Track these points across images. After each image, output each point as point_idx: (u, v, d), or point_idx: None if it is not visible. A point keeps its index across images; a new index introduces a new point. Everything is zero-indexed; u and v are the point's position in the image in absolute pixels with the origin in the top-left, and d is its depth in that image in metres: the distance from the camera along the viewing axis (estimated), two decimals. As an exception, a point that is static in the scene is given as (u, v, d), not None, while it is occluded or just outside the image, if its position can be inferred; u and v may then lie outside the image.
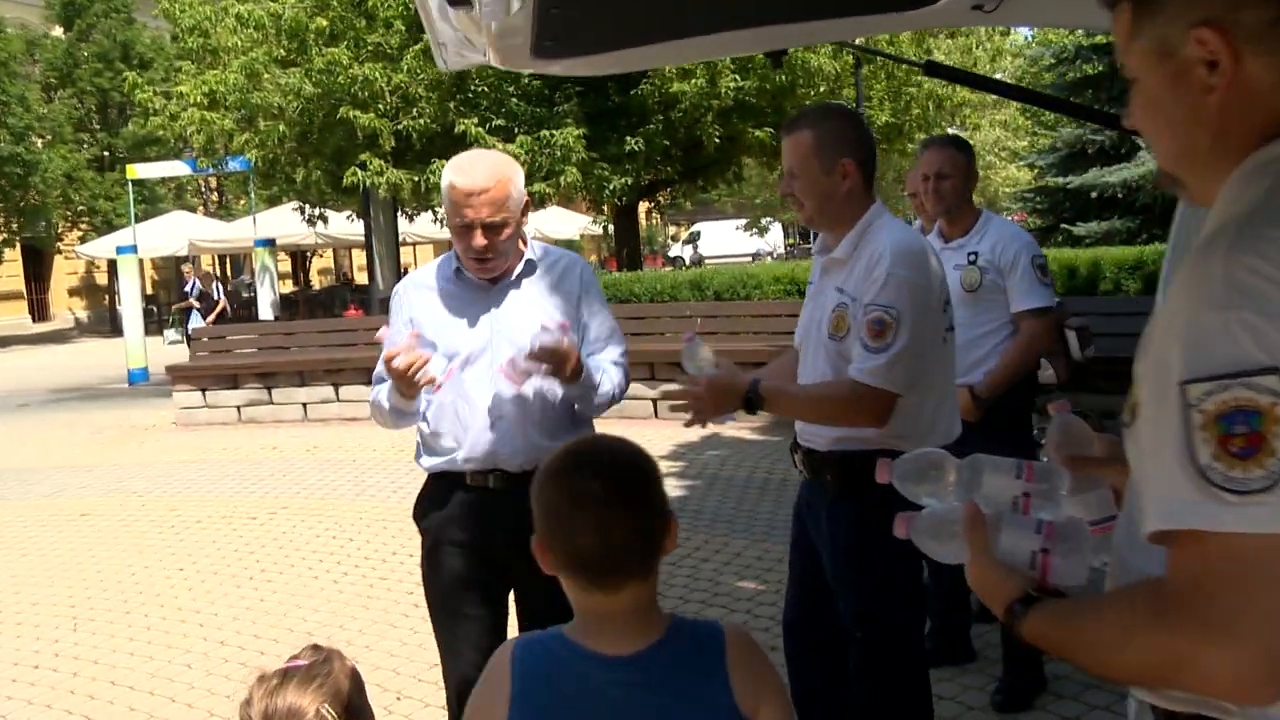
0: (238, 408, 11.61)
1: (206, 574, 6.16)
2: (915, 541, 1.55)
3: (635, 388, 10.26)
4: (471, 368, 2.85)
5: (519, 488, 2.64)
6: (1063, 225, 16.90)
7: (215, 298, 17.30)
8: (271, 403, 11.55)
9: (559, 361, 2.69)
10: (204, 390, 11.70)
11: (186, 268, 19.10)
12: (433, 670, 4.03)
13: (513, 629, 2.97)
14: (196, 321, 17.81)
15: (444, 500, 2.92)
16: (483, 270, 2.83)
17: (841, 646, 2.93)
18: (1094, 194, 15.85)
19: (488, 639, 2.86)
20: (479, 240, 2.74)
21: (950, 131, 15.10)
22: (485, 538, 2.85)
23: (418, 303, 2.94)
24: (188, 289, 18.78)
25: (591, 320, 2.98)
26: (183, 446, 10.54)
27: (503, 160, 2.86)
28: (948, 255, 3.96)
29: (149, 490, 8.53)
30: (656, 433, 9.29)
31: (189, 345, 16.74)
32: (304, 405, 11.42)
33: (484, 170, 2.76)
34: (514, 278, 2.90)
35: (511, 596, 3.01)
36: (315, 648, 2.03)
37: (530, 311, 2.86)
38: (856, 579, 2.85)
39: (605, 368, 2.93)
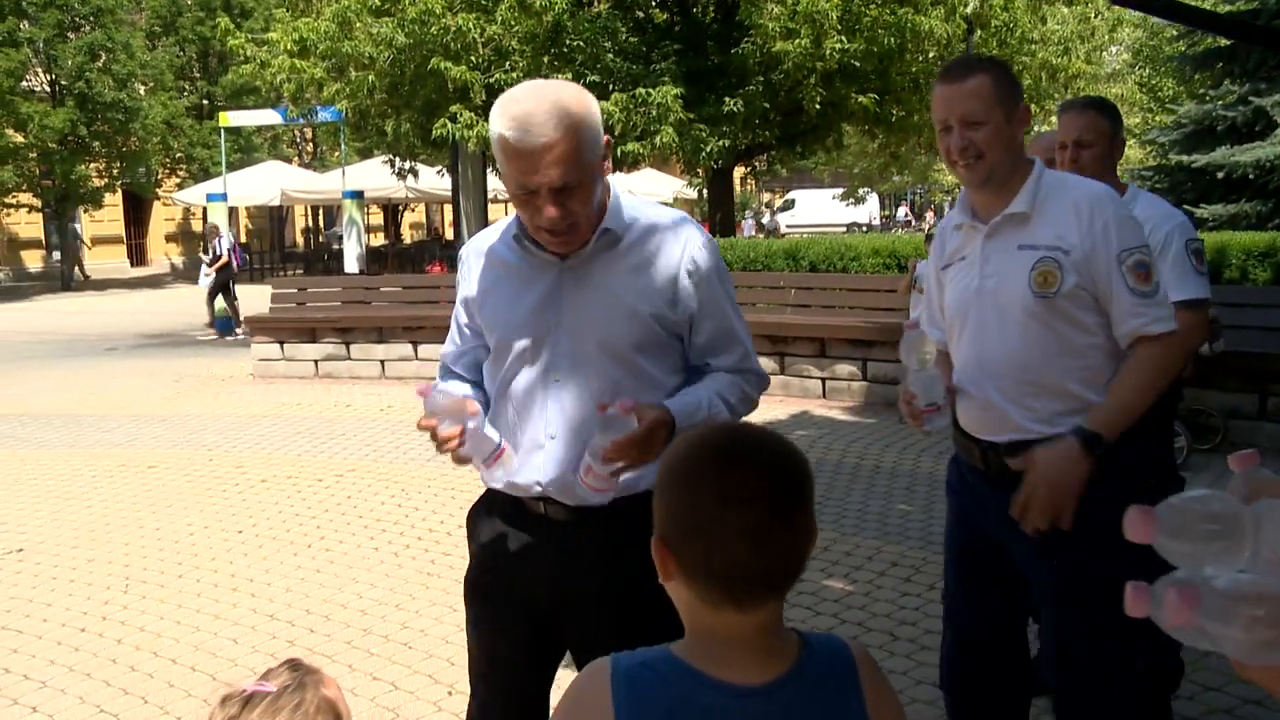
0: (315, 362, 11.43)
1: (265, 538, 5.90)
2: (1183, 630, 1.03)
3: (722, 359, 9.83)
4: (527, 368, 2.24)
5: (585, 521, 2.21)
6: (1184, 207, 15.93)
7: (219, 252, 16.76)
8: (349, 358, 11.34)
9: (643, 453, 2.02)
10: (282, 343, 11.54)
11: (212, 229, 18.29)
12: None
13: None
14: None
15: (493, 521, 2.36)
16: (560, 244, 2.15)
17: (1024, 703, 2.61)
18: (1221, 174, 14.85)
19: (521, 689, 2.39)
20: (550, 211, 2.06)
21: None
22: (533, 582, 2.29)
23: (476, 275, 2.34)
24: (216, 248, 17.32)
25: (701, 317, 2.23)
26: (257, 400, 10.38)
27: (568, 95, 2.07)
28: None
29: (218, 445, 8.35)
30: (742, 408, 8.87)
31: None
32: (381, 362, 11.20)
33: (546, 116, 2.01)
34: (589, 250, 2.17)
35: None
36: (293, 665, 1.70)
37: (605, 301, 2.18)
38: (1089, 606, 2.44)
39: (711, 398, 2.19)
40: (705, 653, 1.35)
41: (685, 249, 2.20)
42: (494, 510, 2.35)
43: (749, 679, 1.33)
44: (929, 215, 47.81)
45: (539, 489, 2.23)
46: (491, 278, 2.30)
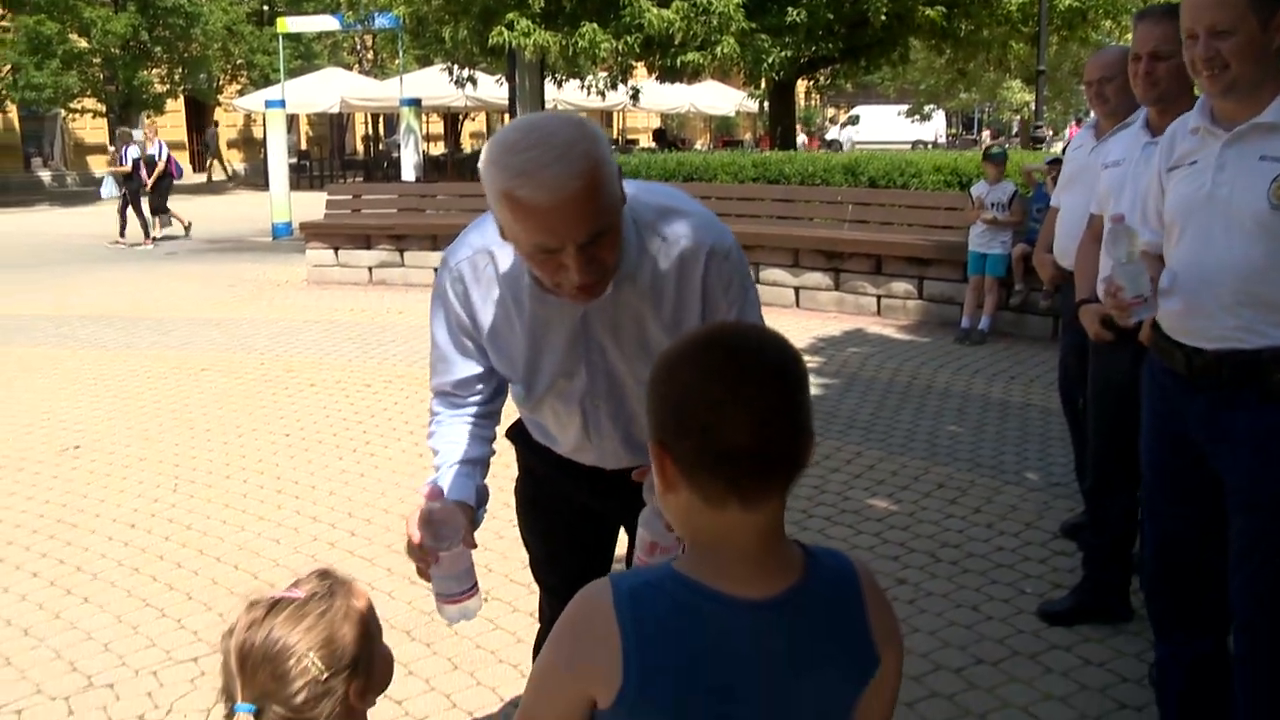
0: (369, 268, 11.46)
1: (311, 441, 5.95)
2: None
3: (777, 274, 9.73)
4: (561, 401, 2.14)
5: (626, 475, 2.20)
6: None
7: (124, 161, 16.33)
8: (403, 265, 11.35)
9: None
10: (336, 249, 11.57)
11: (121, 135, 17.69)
12: (525, 571, 3.69)
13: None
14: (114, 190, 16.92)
15: (535, 448, 2.34)
16: (583, 298, 1.90)
17: (1221, 606, 2.60)
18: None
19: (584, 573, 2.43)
20: (578, 273, 1.80)
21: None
22: (591, 495, 2.34)
23: (478, 306, 2.06)
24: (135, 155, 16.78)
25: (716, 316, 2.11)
26: (310, 305, 10.44)
27: (570, 129, 1.77)
28: (1152, 152, 3.28)
29: (269, 349, 8.42)
30: (795, 323, 8.79)
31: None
32: (434, 270, 11.14)
33: (557, 161, 1.71)
34: (608, 294, 1.94)
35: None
36: (323, 575, 1.66)
37: (635, 335, 2.03)
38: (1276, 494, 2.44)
39: None
40: (710, 567, 1.30)
41: (706, 274, 2.00)
42: (537, 446, 2.34)
43: (756, 592, 1.30)
44: (985, 135, 46.66)
45: (589, 464, 2.25)
46: (501, 315, 2.06)
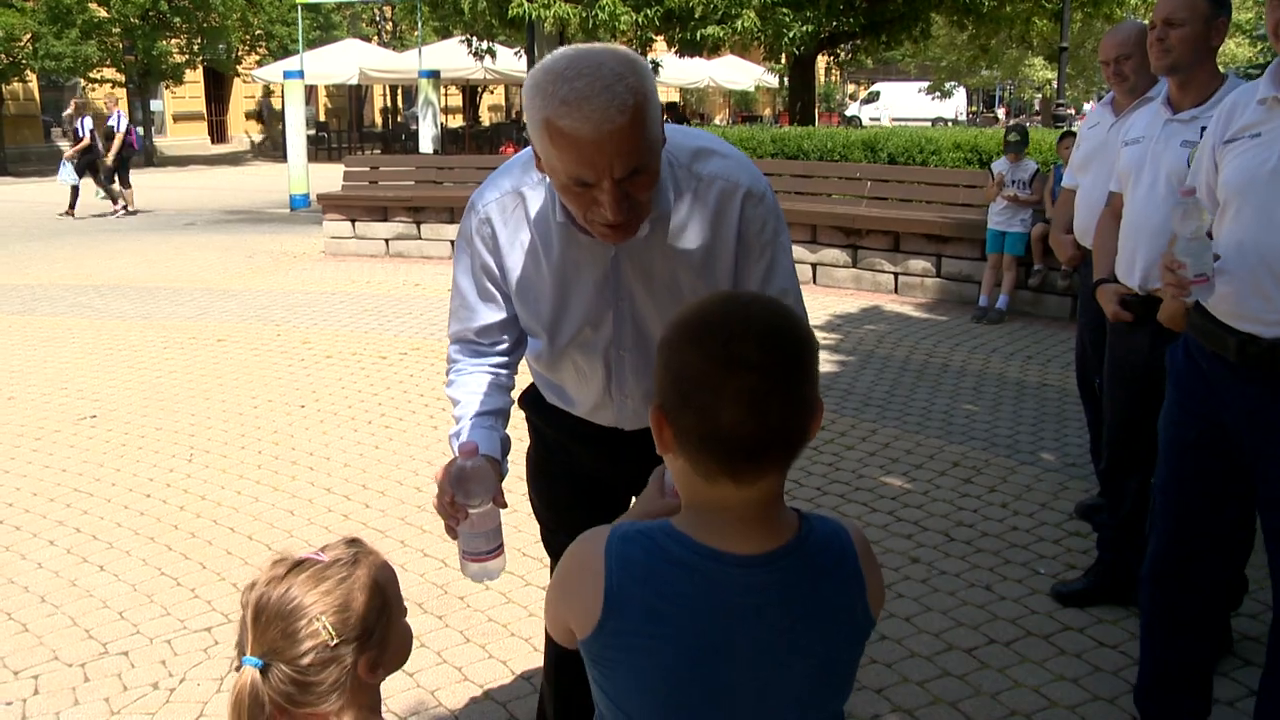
0: (386, 240, 11.46)
1: (326, 413, 5.96)
2: None
3: (795, 250, 9.62)
4: (583, 354, 2.10)
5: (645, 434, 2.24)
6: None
7: (81, 135, 16.22)
8: (420, 238, 11.35)
9: None
10: (353, 221, 11.57)
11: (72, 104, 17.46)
12: (537, 545, 3.70)
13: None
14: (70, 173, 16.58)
15: (555, 413, 2.30)
16: (614, 238, 1.85)
17: (1218, 606, 2.57)
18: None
19: None
20: (612, 208, 1.76)
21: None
22: (604, 463, 2.30)
23: (504, 249, 2.02)
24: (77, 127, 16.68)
25: (752, 269, 2.02)
26: (327, 277, 10.45)
27: (620, 61, 1.72)
28: (1173, 129, 3.24)
29: (286, 320, 8.44)
30: (812, 299, 8.74)
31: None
32: (451, 242, 11.16)
33: (606, 94, 1.67)
34: (642, 236, 1.91)
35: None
36: (351, 542, 1.66)
37: (667, 283, 1.99)
38: None
39: None
40: (704, 525, 1.32)
41: (742, 216, 1.97)
42: (550, 410, 2.30)
43: (747, 549, 1.32)
44: (1000, 112, 46.34)
45: (608, 425, 2.21)
46: (529, 259, 2.01)
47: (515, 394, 2.29)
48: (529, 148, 2.02)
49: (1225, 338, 2.43)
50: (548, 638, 2.54)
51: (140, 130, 29.74)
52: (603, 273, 1.99)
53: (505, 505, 1.96)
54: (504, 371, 2.16)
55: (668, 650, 1.31)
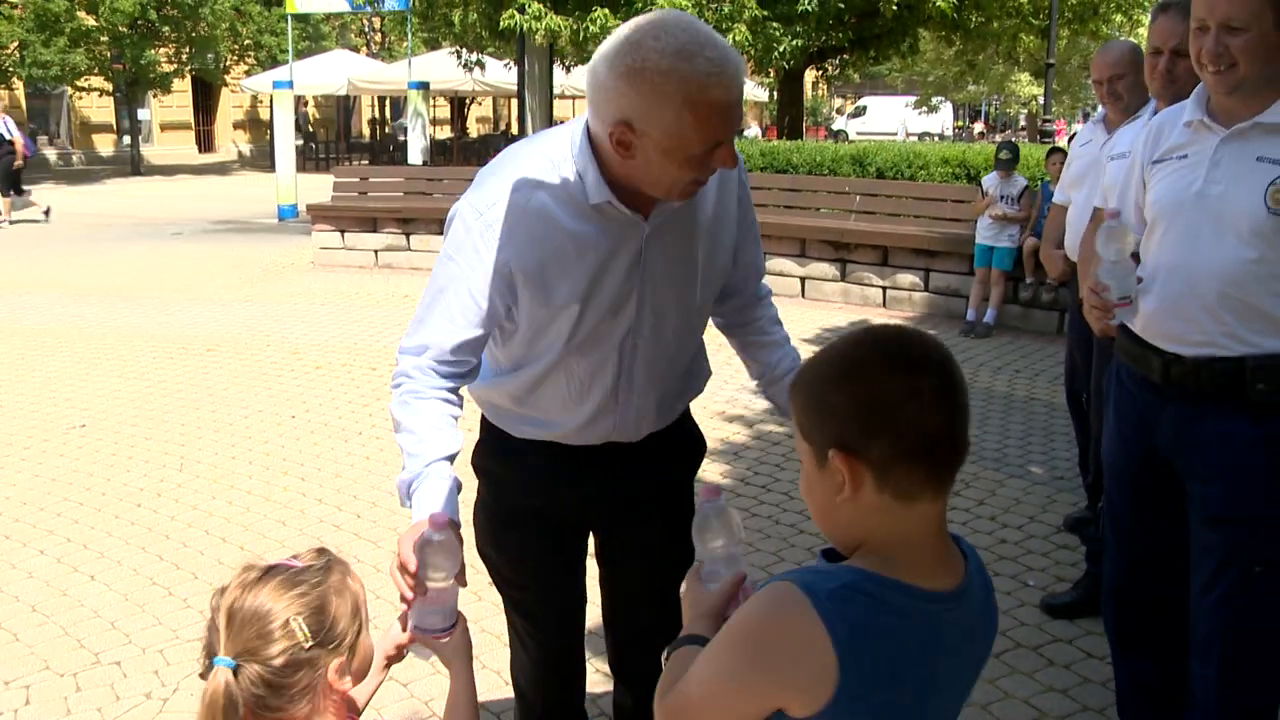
0: (375, 251, 11.47)
1: (316, 424, 5.97)
2: None
3: (784, 264, 9.73)
4: (591, 352, 2.02)
5: (633, 448, 2.13)
6: None
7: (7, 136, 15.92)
8: (409, 249, 11.36)
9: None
10: (343, 232, 11.57)
11: None
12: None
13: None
14: None
15: (519, 456, 2.15)
16: (695, 189, 1.89)
17: (1181, 619, 2.52)
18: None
19: (576, 591, 2.30)
20: (730, 162, 1.81)
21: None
22: (577, 501, 2.18)
23: (525, 238, 1.91)
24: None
25: (744, 242, 2.14)
26: (316, 287, 10.45)
27: (707, 24, 1.82)
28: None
29: (275, 331, 8.43)
30: (801, 313, 8.80)
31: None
32: (442, 253, 11.19)
33: (736, 57, 1.75)
34: (676, 203, 1.93)
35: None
36: (321, 552, 1.67)
37: (686, 263, 2.02)
38: (1248, 506, 2.35)
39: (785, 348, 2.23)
40: (897, 564, 1.29)
41: (734, 177, 2.05)
42: (521, 447, 2.15)
43: (943, 583, 1.32)
44: (976, 125, 46.68)
45: (605, 439, 2.11)
46: (553, 249, 1.92)
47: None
48: (512, 149, 2.01)
49: (1150, 358, 2.45)
50: (519, 694, 2.43)
51: (128, 140, 29.73)
52: (633, 254, 1.95)
53: (465, 584, 1.80)
54: (458, 400, 2.02)
55: (906, 700, 1.30)
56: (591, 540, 2.34)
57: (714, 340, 2.26)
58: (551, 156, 1.92)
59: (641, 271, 1.97)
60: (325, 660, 1.58)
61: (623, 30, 1.77)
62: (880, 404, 1.27)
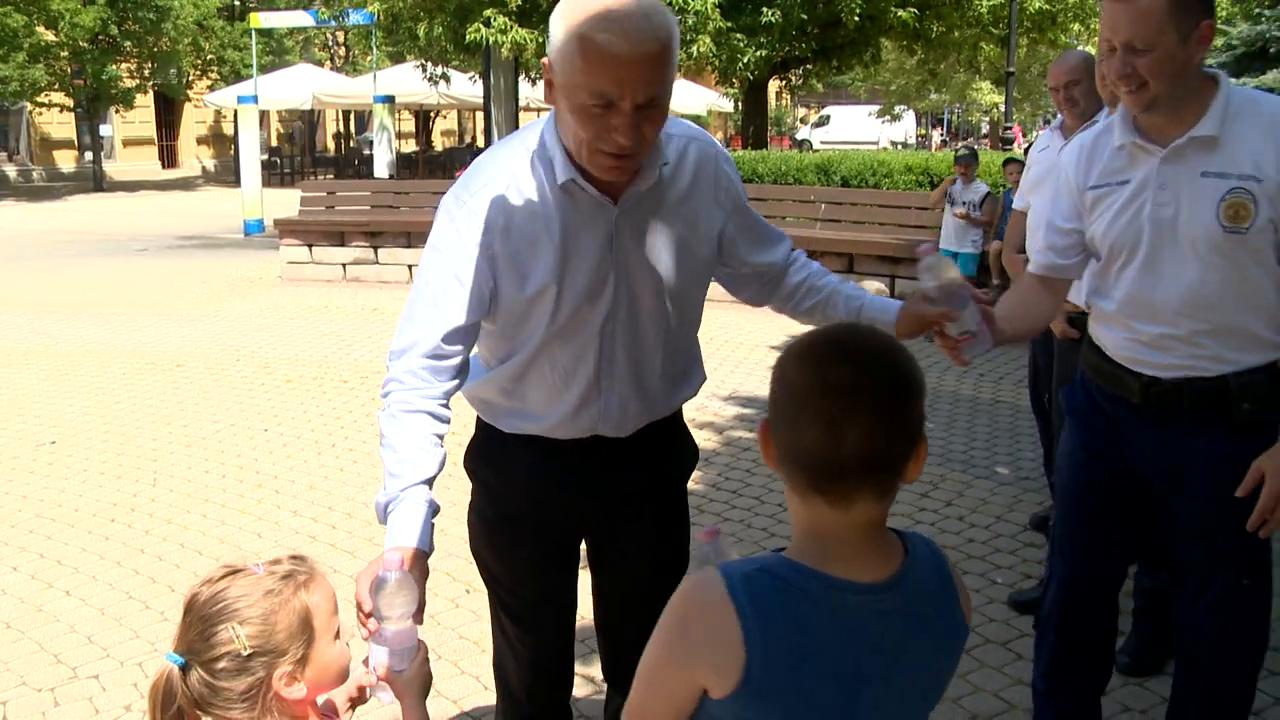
0: (343, 265, 11.46)
1: (290, 437, 5.97)
2: None
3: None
4: (572, 340, 2.03)
5: (622, 444, 2.15)
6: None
7: None
8: (377, 262, 11.36)
9: None
10: (310, 246, 11.55)
11: None
12: (506, 565, 3.76)
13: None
14: None
15: (511, 455, 2.17)
16: (616, 172, 1.88)
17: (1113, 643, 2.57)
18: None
19: (567, 598, 2.32)
20: (624, 133, 1.79)
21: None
22: (570, 502, 2.18)
23: (502, 228, 1.95)
24: None
25: (739, 229, 2.16)
26: (285, 302, 10.44)
27: (656, 3, 1.80)
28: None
29: (245, 345, 8.42)
30: (768, 320, 8.84)
31: None
32: (409, 267, 11.19)
33: (644, 19, 1.75)
34: (644, 190, 1.96)
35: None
36: (296, 559, 1.69)
37: (664, 247, 2.02)
38: (1235, 521, 2.30)
39: (844, 290, 2.28)
40: (821, 553, 1.32)
41: (716, 168, 2.08)
42: (513, 448, 2.16)
43: (869, 576, 1.32)
44: (934, 134, 47.15)
45: (591, 432, 2.11)
46: (526, 235, 1.96)
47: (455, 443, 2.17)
48: (501, 142, 2.07)
49: (1126, 379, 2.42)
50: (503, 693, 2.43)
51: (90, 156, 29.46)
52: (606, 235, 1.97)
53: (421, 622, 1.79)
54: (447, 411, 2.01)
55: (824, 691, 1.30)
56: (584, 550, 2.35)
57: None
58: (529, 144, 1.98)
59: (615, 255, 1.98)
60: (266, 669, 1.60)
61: None
62: (789, 406, 1.31)
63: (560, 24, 1.80)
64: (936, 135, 46.22)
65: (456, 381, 2.03)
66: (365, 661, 1.77)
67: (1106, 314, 2.44)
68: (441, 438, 2.00)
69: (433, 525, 1.94)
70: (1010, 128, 17.45)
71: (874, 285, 9.32)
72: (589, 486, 2.17)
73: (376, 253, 11.36)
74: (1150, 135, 2.31)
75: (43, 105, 27.22)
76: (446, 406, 2.02)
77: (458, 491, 2.19)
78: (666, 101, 1.85)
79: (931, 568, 1.38)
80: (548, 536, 2.22)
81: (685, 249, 2.05)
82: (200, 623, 1.59)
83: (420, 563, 1.86)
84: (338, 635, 1.71)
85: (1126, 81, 2.22)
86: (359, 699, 1.83)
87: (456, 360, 2.01)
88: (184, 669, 1.59)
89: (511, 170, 1.98)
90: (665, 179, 2.00)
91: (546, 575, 2.27)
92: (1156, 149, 2.30)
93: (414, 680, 1.76)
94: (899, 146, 36.56)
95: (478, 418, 2.23)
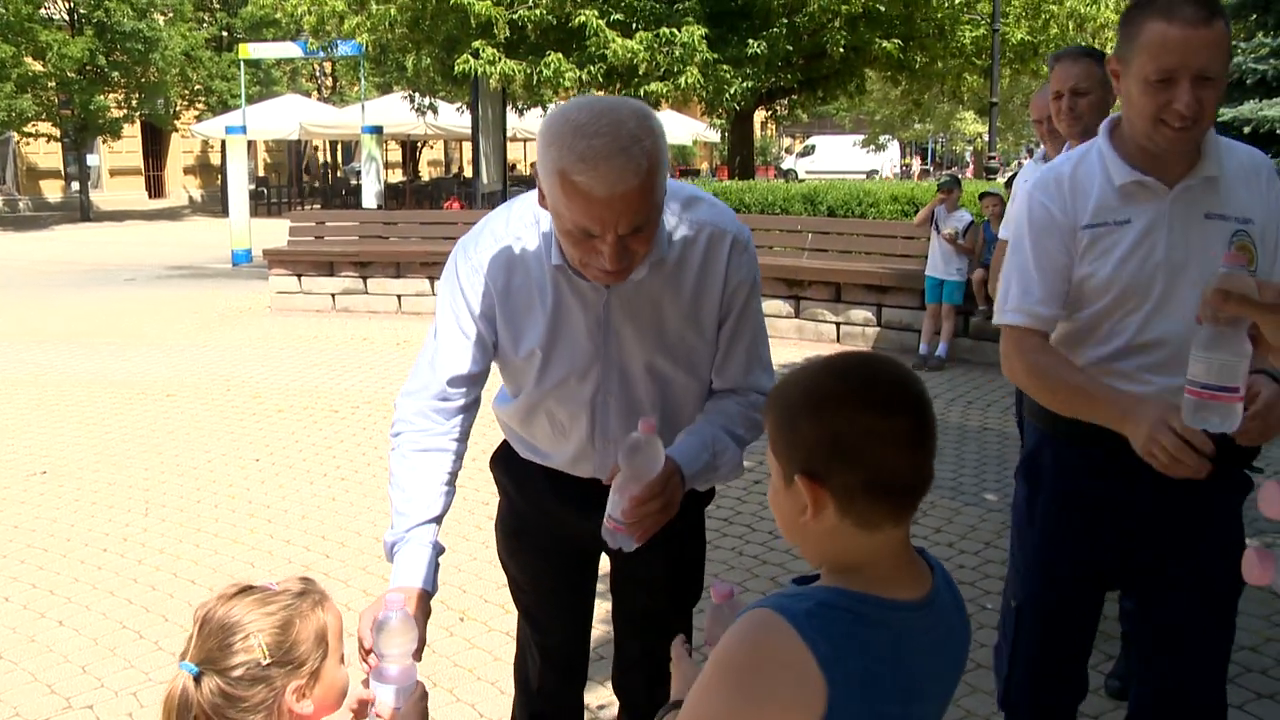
0: (332, 295, 11.49)
1: (281, 467, 5.99)
2: None
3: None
4: (565, 405, 2.11)
5: None
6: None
7: None
8: (366, 292, 11.39)
9: (665, 507, 1.90)
10: (299, 276, 11.58)
11: None
12: (500, 591, 3.78)
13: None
14: None
15: (530, 474, 2.27)
16: (609, 278, 1.92)
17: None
18: (1248, 129, 14.65)
19: (582, 607, 2.43)
20: (610, 259, 1.82)
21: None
22: (582, 521, 2.16)
23: (498, 292, 2.05)
24: None
25: (735, 337, 2.11)
26: (275, 331, 10.46)
27: (639, 122, 1.79)
28: None
29: (235, 375, 8.43)
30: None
31: None
32: (398, 297, 11.24)
33: (625, 159, 1.74)
34: (636, 278, 1.97)
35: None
36: (305, 579, 1.76)
37: (655, 327, 2.04)
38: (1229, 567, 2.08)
39: (715, 436, 2.05)
40: (864, 578, 1.33)
41: (729, 263, 2.04)
42: (530, 465, 2.26)
43: (912, 594, 1.35)
44: (915, 162, 47.58)
45: (589, 477, 2.15)
46: (525, 299, 2.04)
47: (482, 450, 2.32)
48: (516, 197, 2.14)
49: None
50: (520, 686, 2.53)
51: (77, 186, 29.49)
52: (595, 316, 2.03)
53: (420, 659, 1.84)
54: (458, 445, 2.10)
55: (891, 711, 1.32)
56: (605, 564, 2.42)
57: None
58: (536, 212, 2.01)
59: (605, 335, 2.03)
60: (283, 680, 1.65)
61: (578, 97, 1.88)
62: (848, 440, 1.29)
63: (544, 148, 1.82)
64: (917, 164, 46.63)
65: (465, 416, 2.12)
66: (365, 683, 1.82)
67: (1092, 363, 2.27)
68: (453, 476, 2.10)
69: (437, 565, 2.03)
70: (994, 157, 17.62)
71: (861, 314, 9.40)
72: (595, 517, 2.17)
73: (366, 283, 11.40)
74: (1152, 173, 2.17)
75: (29, 135, 27.22)
76: (458, 440, 2.11)
77: (448, 520, 2.23)
78: (655, 220, 1.87)
79: (944, 580, 1.43)
80: (562, 548, 2.32)
81: (681, 331, 2.07)
82: (220, 631, 1.63)
83: (423, 603, 1.96)
84: (342, 659, 1.75)
85: (1187, 118, 2.04)
86: (360, 712, 1.86)
87: (464, 401, 2.11)
88: (197, 679, 1.62)
89: (517, 234, 2.05)
90: (668, 263, 2.00)
91: (558, 583, 2.39)
92: (1162, 188, 2.17)
93: (410, 716, 1.80)
94: (873, 176, 36.84)
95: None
